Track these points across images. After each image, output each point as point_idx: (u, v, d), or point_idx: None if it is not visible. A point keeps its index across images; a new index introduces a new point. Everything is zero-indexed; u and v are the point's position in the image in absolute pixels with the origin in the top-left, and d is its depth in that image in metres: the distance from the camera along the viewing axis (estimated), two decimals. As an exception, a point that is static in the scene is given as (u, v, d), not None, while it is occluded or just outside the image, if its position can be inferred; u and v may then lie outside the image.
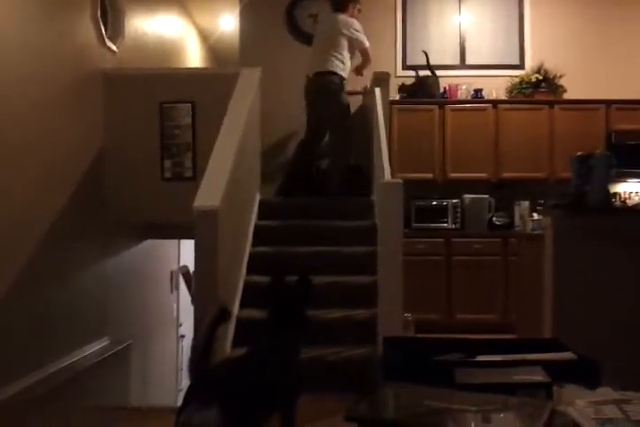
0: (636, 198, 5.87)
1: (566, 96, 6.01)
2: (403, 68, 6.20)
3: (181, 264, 6.24)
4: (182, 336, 6.50)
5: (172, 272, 6.19)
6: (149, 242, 5.23)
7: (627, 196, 5.87)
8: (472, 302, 5.39)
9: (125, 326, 4.78)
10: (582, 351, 1.38)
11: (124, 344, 4.58)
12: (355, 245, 4.13)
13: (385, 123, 4.49)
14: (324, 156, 5.19)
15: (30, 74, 3.53)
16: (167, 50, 6.38)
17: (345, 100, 4.94)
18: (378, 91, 4.82)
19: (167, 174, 4.54)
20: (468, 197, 5.83)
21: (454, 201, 5.79)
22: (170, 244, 5.99)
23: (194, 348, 1.34)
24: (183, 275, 6.13)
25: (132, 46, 5.03)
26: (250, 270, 3.96)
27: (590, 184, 2.97)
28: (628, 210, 4.31)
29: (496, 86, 6.07)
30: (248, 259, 4.05)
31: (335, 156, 4.95)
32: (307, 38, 5.82)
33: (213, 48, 8.38)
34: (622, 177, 5.66)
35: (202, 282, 3.12)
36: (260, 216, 4.53)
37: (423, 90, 5.86)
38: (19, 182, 3.41)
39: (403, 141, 5.73)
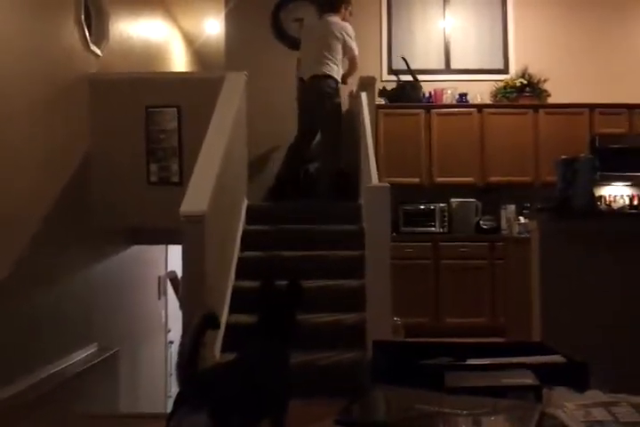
0: (621, 201, 5.93)
1: (550, 100, 6.06)
2: (388, 73, 6.22)
3: (169, 270, 6.21)
4: (171, 342, 6.47)
5: (159, 278, 6.16)
6: (136, 247, 5.20)
7: (611, 199, 5.93)
8: (460, 306, 5.41)
9: (113, 333, 4.75)
10: (571, 354, 1.39)
11: (113, 351, 4.54)
12: (343, 249, 4.13)
13: (371, 127, 4.50)
14: (312, 159, 5.19)
15: (13, 78, 3.50)
16: (152, 54, 6.37)
17: (340, 103, 4.96)
18: (364, 95, 4.84)
19: (153, 179, 4.53)
20: (454, 201, 5.86)
21: (441, 205, 5.82)
22: (157, 249, 5.96)
23: (181, 354, 1.33)
24: (171, 280, 6.10)
25: (117, 50, 5.02)
26: (238, 275, 3.95)
27: (575, 188, 2.99)
28: (613, 213, 4.35)
29: (481, 91, 6.11)
30: (236, 264, 4.03)
31: (326, 159, 4.96)
32: (292, 42, 5.84)
33: (199, 52, 8.38)
34: (607, 180, 5.73)
35: (190, 287, 3.11)
36: (248, 221, 4.53)
37: (404, 95, 5.88)
38: (3, 187, 3.38)
39: (389, 146, 5.76)
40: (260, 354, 1.53)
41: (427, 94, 6.08)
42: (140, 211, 4.50)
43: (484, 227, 5.84)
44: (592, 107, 5.84)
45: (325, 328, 3.53)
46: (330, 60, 4.88)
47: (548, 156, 5.45)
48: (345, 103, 5.59)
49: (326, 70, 4.87)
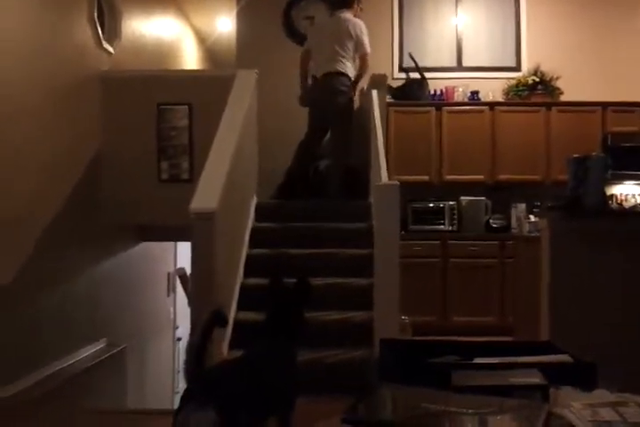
0: (633, 200, 5.88)
1: (563, 98, 6.02)
2: (399, 71, 6.21)
3: (178, 266, 6.24)
4: (179, 339, 6.49)
5: (168, 274, 6.18)
6: (146, 244, 5.23)
7: (623, 198, 5.88)
8: (468, 305, 5.39)
9: (122, 329, 4.78)
10: (579, 353, 1.38)
11: (121, 347, 4.57)
12: (352, 247, 4.13)
13: (382, 125, 4.49)
14: (322, 156, 5.19)
15: (27, 75, 3.52)
16: (164, 51, 6.39)
17: (352, 101, 4.95)
18: (375, 93, 4.82)
19: (164, 176, 4.55)
20: (464, 199, 5.83)
21: (451, 203, 5.79)
22: (166, 246, 5.99)
23: (189, 351, 1.33)
24: (180, 277, 6.12)
25: (129, 48, 5.04)
26: (247, 273, 3.95)
27: (586, 186, 2.97)
28: (624, 212, 4.32)
29: (493, 88, 6.08)
30: (245, 261, 4.04)
31: (336, 156, 4.94)
32: (303, 40, 5.81)
33: (210, 50, 8.39)
34: (618, 179, 5.68)
35: (199, 284, 3.12)
36: (257, 218, 4.53)
37: (411, 92, 5.86)
38: (15, 184, 3.40)
39: (399, 143, 5.74)
40: (267, 352, 1.53)
41: (437, 92, 6.06)
42: (150, 208, 4.52)
43: (494, 225, 5.82)
44: (605, 105, 5.79)
45: (333, 326, 3.54)
46: (343, 57, 4.86)
47: (559, 154, 5.42)
48: (356, 101, 5.59)
49: (340, 68, 4.85)
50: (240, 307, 3.67)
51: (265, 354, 1.54)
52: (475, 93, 6.02)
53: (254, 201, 4.66)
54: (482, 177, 5.81)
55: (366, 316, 3.58)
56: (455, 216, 5.78)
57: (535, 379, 1.24)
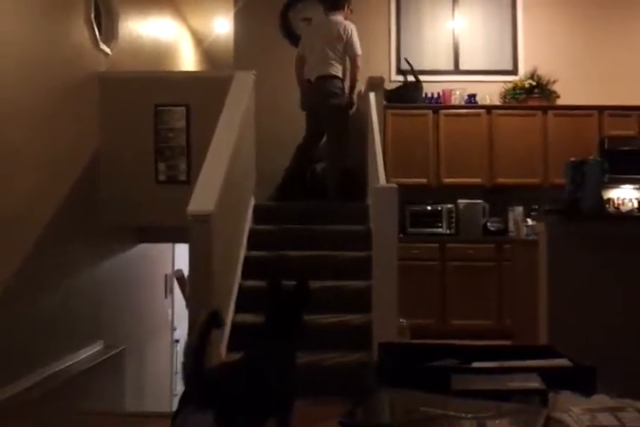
0: (630, 204, 5.89)
1: (559, 102, 6.04)
2: (397, 73, 6.21)
3: (176, 268, 6.23)
4: (177, 341, 6.48)
5: (166, 276, 6.17)
6: (144, 246, 5.22)
7: (620, 202, 5.89)
8: (466, 308, 5.39)
9: (120, 331, 4.77)
10: (578, 358, 1.38)
11: (119, 349, 4.56)
12: (350, 249, 4.13)
13: (379, 127, 4.50)
14: (320, 159, 5.19)
15: (25, 77, 3.52)
16: (161, 53, 6.39)
17: (346, 103, 4.95)
18: (372, 95, 4.83)
19: (161, 177, 4.54)
20: (462, 202, 5.84)
21: (449, 206, 5.80)
22: (164, 247, 5.98)
23: (187, 353, 1.33)
24: (178, 279, 6.12)
25: (127, 49, 5.04)
26: (245, 275, 3.95)
27: (583, 190, 2.98)
28: (622, 216, 4.33)
29: (490, 92, 6.09)
30: (243, 263, 4.04)
31: (332, 159, 4.95)
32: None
33: (208, 51, 8.39)
34: (615, 183, 5.69)
35: (196, 286, 3.12)
36: (255, 220, 4.53)
37: (405, 95, 5.87)
38: (13, 185, 3.40)
39: (397, 146, 5.74)
40: (265, 354, 1.53)
41: (434, 95, 6.07)
42: (147, 209, 4.51)
43: (492, 228, 5.82)
44: (601, 109, 5.81)
45: (331, 329, 3.53)
46: (335, 59, 4.88)
47: (556, 157, 5.43)
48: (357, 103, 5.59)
49: (332, 71, 4.86)
50: (238, 309, 3.67)
51: (264, 356, 1.53)
52: (472, 97, 6.03)
53: (252, 203, 4.66)
54: (479, 180, 5.82)
55: (364, 319, 3.58)
56: (453, 219, 5.79)
57: (534, 383, 1.24)
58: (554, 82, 6.01)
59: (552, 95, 6.02)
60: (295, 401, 1.52)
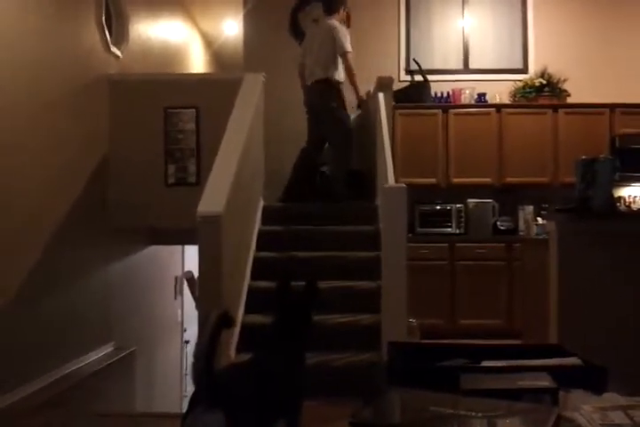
0: (641, 202, 5.85)
1: (570, 100, 6.01)
2: (406, 73, 6.21)
3: (186, 270, 6.25)
4: (187, 342, 6.50)
5: (176, 278, 6.19)
6: (153, 248, 5.24)
7: (631, 200, 5.85)
8: (476, 308, 5.38)
9: (130, 332, 4.79)
10: (588, 357, 1.37)
11: (129, 350, 4.58)
12: (359, 250, 4.12)
13: (388, 127, 4.49)
14: (326, 162, 5.21)
15: (35, 79, 3.54)
16: (171, 55, 6.41)
17: (343, 106, 4.95)
18: (381, 96, 4.83)
19: (171, 180, 4.56)
20: (471, 201, 5.82)
21: (458, 206, 5.78)
22: (174, 249, 6.00)
23: (196, 354, 1.33)
24: (187, 280, 6.14)
25: (137, 52, 5.06)
26: (254, 276, 3.96)
27: (594, 189, 2.96)
28: (633, 214, 4.29)
29: (499, 91, 6.07)
30: (252, 264, 4.04)
31: (336, 162, 4.97)
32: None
33: (217, 53, 8.42)
34: (627, 181, 5.65)
35: (206, 287, 3.13)
36: (264, 221, 4.54)
37: (413, 95, 5.85)
38: (24, 188, 3.42)
39: (406, 146, 5.74)
40: (275, 355, 1.53)
41: (444, 94, 6.06)
42: (157, 211, 4.53)
43: (502, 228, 5.80)
44: (612, 107, 5.77)
45: (341, 329, 3.53)
46: (330, 63, 4.90)
47: (566, 156, 5.41)
48: (366, 102, 5.58)
49: (327, 74, 4.90)
50: (247, 310, 3.67)
51: (273, 357, 1.53)
52: (482, 96, 6.01)
53: (261, 204, 4.67)
54: (489, 179, 5.80)
55: (374, 319, 3.57)
56: (462, 219, 5.77)
57: (545, 382, 1.24)
58: (564, 80, 5.98)
59: (562, 94, 5.99)
60: (305, 402, 1.52)
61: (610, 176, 3.02)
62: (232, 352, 3.30)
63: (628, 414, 1.09)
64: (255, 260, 4.09)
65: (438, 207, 5.81)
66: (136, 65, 4.99)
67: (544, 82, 5.97)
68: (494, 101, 6.01)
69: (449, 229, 5.76)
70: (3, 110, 3.24)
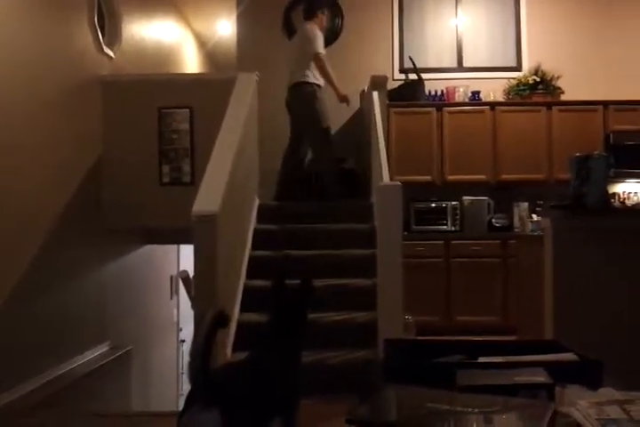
0: (635, 199, 5.87)
1: (564, 97, 6.02)
2: (400, 72, 6.21)
3: (181, 269, 6.24)
4: (183, 341, 6.49)
5: (171, 277, 6.18)
6: (149, 247, 5.23)
7: (625, 196, 5.87)
8: (472, 304, 5.39)
9: (126, 332, 4.78)
10: (584, 352, 1.38)
11: (125, 349, 4.57)
12: (354, 247, 4.13)
13: (383, 126, 4.49)
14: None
15: (27, 79, 3.53)
16: (164, 55, 6.39)
17: (319, 107, 4.96)
18: (375, 94, 4.83)
19: (165, 179, 4.55)
20: (467, 199, 5.83)
21: (453, 203, 5.79)
22: (169, 249, 5.99)
23: (192, 353, 1.33)
24: (183, 280, 6.12)
25: (130, 52, 5.04)
26: (249, 274, 3.95)
27: (589, 185, 2.97)
28: (627, 210, 4.31)
29: (493, 88, 6.08)
30: (247, 263, 4.04)
31: (317, 161, 5.04)
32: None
33: (211, 53, 8.40)
34: (621, 177, 5.68)
35: (201, 287, 3.12)
36: (259, 220, 4.53)
37: (408, 93, 5.86)
38: (17, 188, 3.41)
39: (401, 144, 5.74)
40: (271, 353, 1.53)
41: (438, 92, 6.06)
42: (152, 211, 4.52)
43: (497, 225, 5.81)
44: (606, 103, 5.79)
45: (337, 327, 3.53)
46: (306, 66, 4.95)
47: (561, 153, 5.42)
48: (355, 102, 5.59)
49: (303, 77, 4.95)
50: (243, 309, 3.67)
51: (269, 356, 1.53)
52: (475, 94, 6.02)
53: (256, 203, 4.66)
54: (484, 177, 5.81)
55: (370, 316, 3.58)
56: (458, 216, 5.78)
57: (541, 378, 1.24)
58: (558, 77, 5.99)
59: (556, 91, 6.00)
60: (301, 400, 1.52)
61: (604, 173, 3.03)
62: (228, 351, 3.29)
63: (624, 408, 1.09)
64: (251, 258, 4.09)
65: (433, 205, 5.82)
66: (129, 65, 4.98)
67: (538, 79, 5.97)
68: (488, 99, 6.02)
69: (444, 227, 5.77)
70: (-5, 111, 3.23)
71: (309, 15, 5.18)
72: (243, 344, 3.26)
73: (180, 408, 1.32)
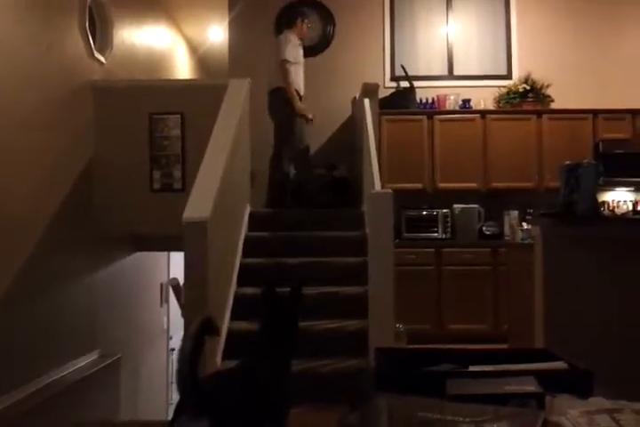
0: (624, 207, 5.91)
1: (554, 106, 6.06)
2: (391, 80, 6.24)
3: (171, 277, 6.21)
4: (173, 349, 6.45)
5: (161, 285, 6.15)
6: (139, 254, 5.20)
7: (615, 204, 5.91)
8: (463, 312, 5.39)
9: (115, 340, 4.74)
10: (574, 361, 1.38)
11: (114, 358, 4.53)
12: (345, 255, 4.12)
13: (374, 133, 4.51)
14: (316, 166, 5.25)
15: (19, 85, 3.51)
16: (156, 61, 6.39)
17: (287, 111, 4.98)
18: (367, 102, 4.85)
19: (156, 186, 4.53)
20: (457, 206, 5.84)
21: (444, 211, 5.81)
22: (159, 256, 5.96)
23: (180, 360, 1.32)
24: (173, 287, 6.09)
25: (121, 58, 5.04)
26: (240, 282, 3.94)
27: (578, 193, 2.98)
28: (616, 218, 4.33)
29: (484, 97, 6.12)
30: (238, 270, 4.03)
31: (296, 169, 5.10)
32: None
33: (202, 59, 8.40)
34: (610, 186, 5.71)
35: (191, 294, 3.11)
36: (251, 227, 4.52)
37: (399, 101, 5.89)
38: (7, 194, 3.38)
39: (392, 152, 5.76)
40: (261, 362, 1.52)
41: (429, 100, 6.09)
42: (142, 218, 4.50)
43: (487, 233, 5.83)
44: (595, 112, 5.83)
45: (328, 335, 3.52)
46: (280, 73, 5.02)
47: (551, 161, 5.46)
48: (348, 109, 5.60)
49: (277, 83, 5.03)
50: (234, 317, 3.65)
51: (259, 364, 1.52)
52: (466, 102, 6.05)
53: (247, 210, 4.65)
54: (475, 185, 5.83)
55: (361, 324, 3.57)
56: (449, 224, 5.79)
57: (531, 387, 1.24)
58: (548, 86, 6.03)
59: (546, 99, 6.05)
60: (291, 408, 1.51)
61: (593, 181, 3.04)
62: (218, 359, 3.28)
63: (614, 417, 1.09)
64: (241, 266, 4.08)
65: (424, 212, 5.83)
66: (121, 71, 4.97)
67: (528, 88, 6.02)
68: (479, 107, 6.05)
69: (435, 234, 5.78)
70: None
71: (289, 23, 5.33)
72: (233, 352, 3.24)
73: (170, 417, 1.31)
